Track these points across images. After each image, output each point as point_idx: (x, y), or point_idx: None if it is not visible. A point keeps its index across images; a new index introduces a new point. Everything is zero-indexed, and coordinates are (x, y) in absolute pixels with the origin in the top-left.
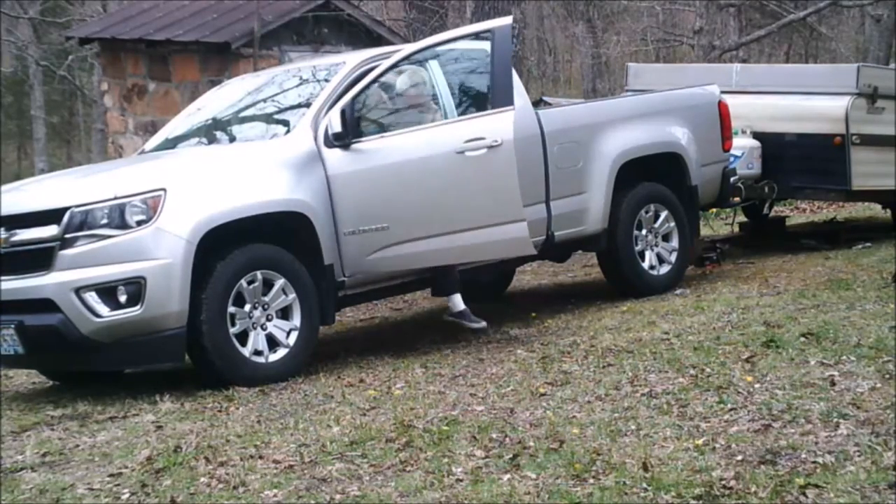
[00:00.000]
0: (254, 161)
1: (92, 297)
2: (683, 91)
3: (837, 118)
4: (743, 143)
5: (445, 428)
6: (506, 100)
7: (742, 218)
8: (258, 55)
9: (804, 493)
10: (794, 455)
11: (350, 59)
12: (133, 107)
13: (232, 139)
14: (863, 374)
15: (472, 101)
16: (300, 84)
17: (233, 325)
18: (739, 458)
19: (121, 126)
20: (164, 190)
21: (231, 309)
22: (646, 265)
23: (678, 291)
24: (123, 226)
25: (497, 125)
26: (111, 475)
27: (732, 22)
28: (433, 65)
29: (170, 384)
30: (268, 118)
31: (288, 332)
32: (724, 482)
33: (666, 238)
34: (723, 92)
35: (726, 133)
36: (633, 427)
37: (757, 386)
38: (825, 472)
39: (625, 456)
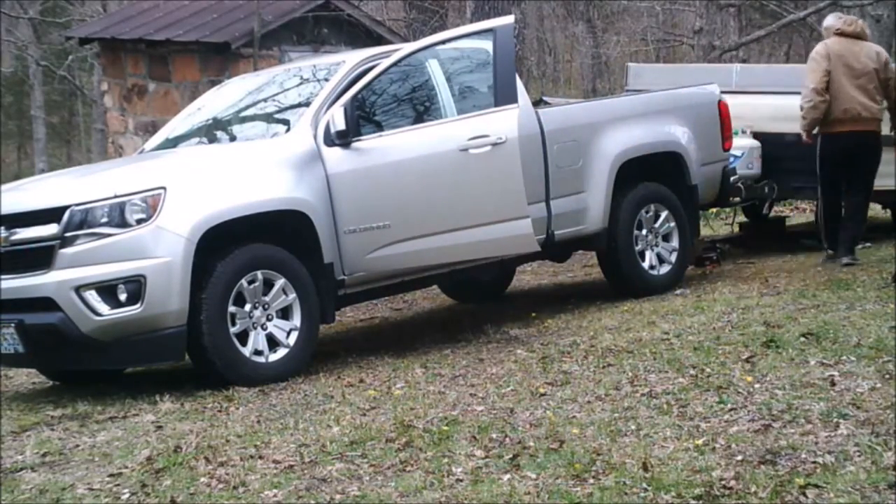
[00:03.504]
0: (253, 160)
1: (92, 296)
2: (683, 91)
3: None
4: (743, 143)
5: (445, 428)
6: (510, 98)
7: (742, 218)
8: (258, 55)
9: (804, 493)
10: (794, 455)
11: (350, 59)
12: (133, 107)
13: (232, 138)
14: (863, 374)
15: (475, 99)
16: (300, 83)
17: (233, 324)
18: (739, 458)
19: (121, 126)
20: (163, 188)
21: (231, 309)
22: (646, 265)
23: (678, 291)
24: (123, 224)
25: (501, 122)
26: (111, 475)
27: (732, 22)
28: (434, 63)
29: (170, 384)
30: (268, 117)
31: (288, 332)
32: (724, 482)
33: (666, 238)
34: (723, 92)
35: (726, 133)
36: (633, 427)
37: (757, 386)
38: (825, 472)
39: (625, 456)
